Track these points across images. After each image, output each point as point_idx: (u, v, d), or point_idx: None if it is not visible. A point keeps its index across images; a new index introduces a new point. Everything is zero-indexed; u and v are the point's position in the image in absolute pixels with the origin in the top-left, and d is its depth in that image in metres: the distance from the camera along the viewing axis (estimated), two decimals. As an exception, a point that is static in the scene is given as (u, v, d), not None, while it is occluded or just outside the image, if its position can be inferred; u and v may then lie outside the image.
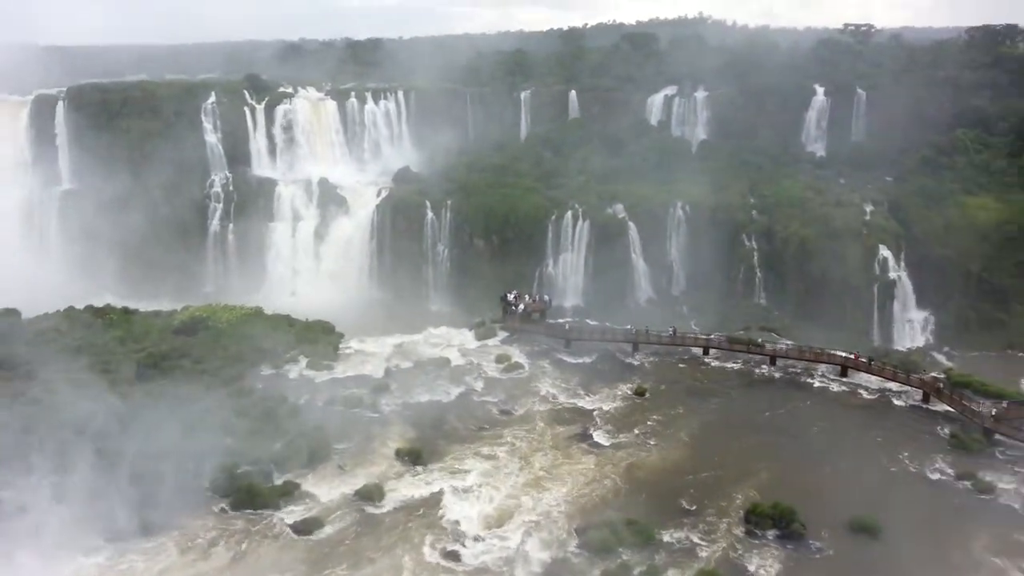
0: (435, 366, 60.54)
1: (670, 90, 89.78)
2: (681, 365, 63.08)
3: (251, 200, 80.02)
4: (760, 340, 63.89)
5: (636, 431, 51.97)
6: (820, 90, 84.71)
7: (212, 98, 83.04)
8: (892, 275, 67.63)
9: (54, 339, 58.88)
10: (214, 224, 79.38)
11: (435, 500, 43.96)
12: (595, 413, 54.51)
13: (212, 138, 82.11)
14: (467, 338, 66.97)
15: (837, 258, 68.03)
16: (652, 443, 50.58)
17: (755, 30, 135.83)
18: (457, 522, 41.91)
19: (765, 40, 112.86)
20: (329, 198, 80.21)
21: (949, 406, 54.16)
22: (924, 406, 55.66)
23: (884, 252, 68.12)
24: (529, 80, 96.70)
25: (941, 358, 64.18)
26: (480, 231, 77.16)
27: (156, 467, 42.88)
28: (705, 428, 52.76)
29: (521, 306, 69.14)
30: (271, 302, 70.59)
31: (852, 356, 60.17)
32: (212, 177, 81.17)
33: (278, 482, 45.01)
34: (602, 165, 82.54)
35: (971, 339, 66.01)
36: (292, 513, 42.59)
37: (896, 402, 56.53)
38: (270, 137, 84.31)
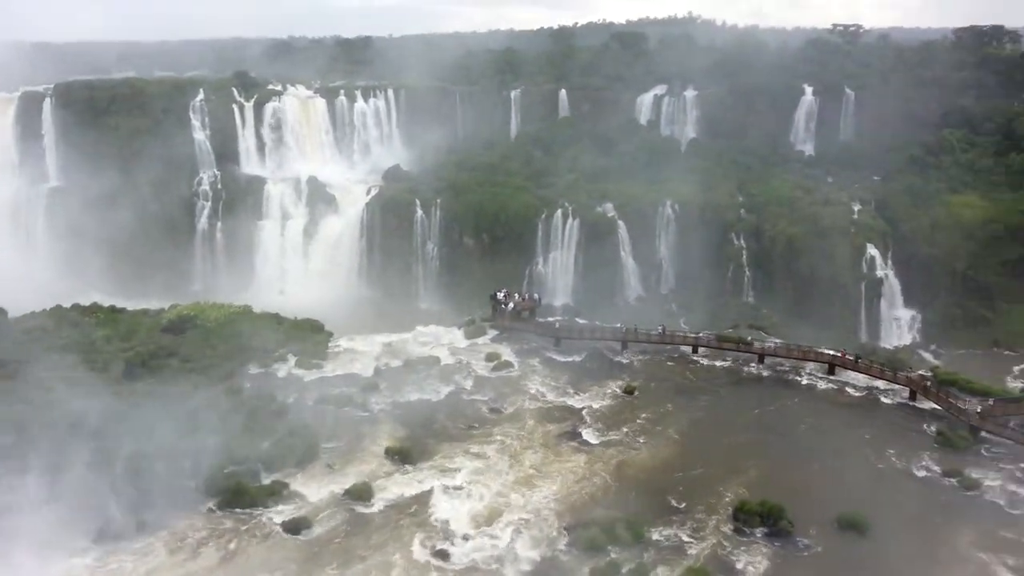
0: (425, 365, 60.48)
1: (660, 89, 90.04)
2: (670, 363, 63.27)
3: (240, 198, 79.68)
4: (749, 338, 64.18)
5: (625, 429, 52.11)
6: (809, 90, 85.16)
7: (200, 95, 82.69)
8: (879, 273, 68.10)
9: (41, 338, 58.47)
10: (202, 222, 79.04)
11: (425, 499, 43.96)
12: (585, 411, 54.61)
13: (200, 136, 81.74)
14: (457, 337, 66.96)
15: (825, 256, 68.46)
16: (641, 441, 50.74)
17: (744, 30, 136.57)
18: (447, 521, 41.91)
19: (754, 40, 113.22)
20: (318, 196, 79.99)
21: (935, 404, 54.55)
22: (911, 404, 56.06)
23: (871, 251, 68.56)
24: (519, 79, 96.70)
25: (928, 356, 64.64)
26: (470, 229, 77.18)
27: (144, 467, 42.78)
28: (694, 426, 52.96)
29: (511, 304, 69.15)
30: (260, 301, 70.34)
31: (839, 354, 60.51)
32: (200, 175, 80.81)
33: (267, 481, 44.88)
34: (592, 164, 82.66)
35: (957, 337, 66.53)
36: (281, 512, 42.47)
37: (883, 400, 56.89)
38: (259, 135, 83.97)
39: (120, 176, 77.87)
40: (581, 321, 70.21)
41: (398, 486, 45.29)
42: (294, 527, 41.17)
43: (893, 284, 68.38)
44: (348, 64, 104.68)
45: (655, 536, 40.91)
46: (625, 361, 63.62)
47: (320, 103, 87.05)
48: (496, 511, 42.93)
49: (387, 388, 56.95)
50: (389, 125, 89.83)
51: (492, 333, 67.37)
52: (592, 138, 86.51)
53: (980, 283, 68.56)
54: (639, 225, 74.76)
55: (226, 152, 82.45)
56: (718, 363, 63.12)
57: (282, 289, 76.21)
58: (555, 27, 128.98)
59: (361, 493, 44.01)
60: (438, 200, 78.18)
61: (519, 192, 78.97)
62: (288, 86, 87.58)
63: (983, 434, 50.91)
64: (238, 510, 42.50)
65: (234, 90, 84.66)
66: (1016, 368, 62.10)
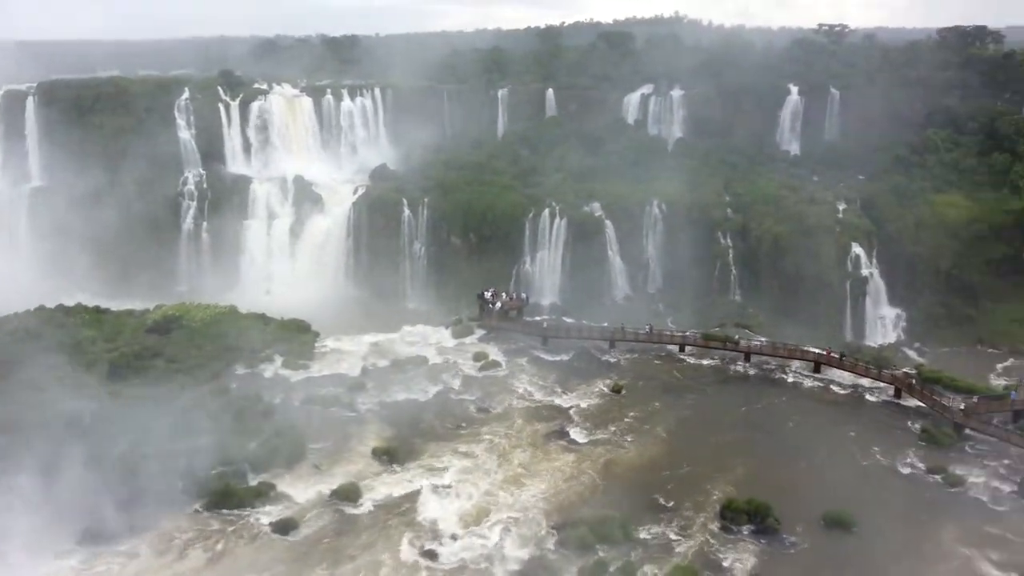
0: (412, 364, 60.37)
1: (646, 89, 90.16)
2: (657, 362, 63.45)
3: (225, 198, 79.18)
4: (735, 337, 64.42)
5: (613, 428, 52.22)
6: (794, 89, 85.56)
7: (186, 94, 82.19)
8: (864, 272, 68.54)
9: (24, 339, 57.80)
10: (188, 222, 78.54)
11: (413, 499, 43.86)
12: (572, 410, 54.67)
13: (186, 135, 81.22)
14: (444, 336, 66.88)
15: (811, 255, 68.81)
16: (629, 440, 50.86)
17: (730, 30, 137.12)
18: (435, 520, 41.84)
19: (740, 40, 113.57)
20: (304, 196, 79.64)
21: (920, 401, 54.96)
22: (896, 401, 56.46)
23: (856, 249, 68.99)
24: (506, 78, 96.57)
25: (912, 354, 65.09)
26: (457, 229, 77.07)
27: (130, 468, 42.42)
28: (681, 424, 53.14)
29: (498, 304, 69.09)
30: (245, 301, 69.90)
31: (825, 352, 60.83)
32: (186, 174, 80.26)
33: (254, 482, 44.64)
34: (579, 163, 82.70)
35: (941, 335, 67.08)
36: (269, 513, 42.26)
37: (868, 397, 57.28)
38: (245, 134, 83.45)
39: (104, 175, 77.31)
40: (569, 320, 70.26)
41: (386, 486, 45.17)
42: (282, 528, 40.99)
43: (878, 283, 68.84)
44: (335, 63, 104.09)
45: (643, 534, 41.02)
46: (613, 360, 63.72)
47: (306, 102, 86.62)
48: (484, 510, 42.91)
49: (374, 388, 56.80)
50: (376, 124, 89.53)
51: (480, 333, 67.31)
52: (579, 137, 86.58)
53: (964, 282, 69.17)
54: (626, 224, 74.92)
55: (212, 151, 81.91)
56: (705, 362, 63.35)
57: (268, 289, 75.71)
58: (542, 26, 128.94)
59: (349, 493, 43.86)
60: (425, 199, 78.02)
61: (506, 191, 78.93)
62: (274, 85, 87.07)
63: (967, 431, 51.31)
64: (225, 511, 42.27)
65: (219, 89, 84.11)
66: (999, 366, 62.63)
